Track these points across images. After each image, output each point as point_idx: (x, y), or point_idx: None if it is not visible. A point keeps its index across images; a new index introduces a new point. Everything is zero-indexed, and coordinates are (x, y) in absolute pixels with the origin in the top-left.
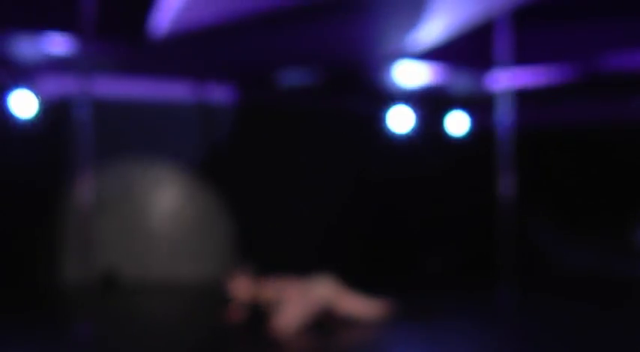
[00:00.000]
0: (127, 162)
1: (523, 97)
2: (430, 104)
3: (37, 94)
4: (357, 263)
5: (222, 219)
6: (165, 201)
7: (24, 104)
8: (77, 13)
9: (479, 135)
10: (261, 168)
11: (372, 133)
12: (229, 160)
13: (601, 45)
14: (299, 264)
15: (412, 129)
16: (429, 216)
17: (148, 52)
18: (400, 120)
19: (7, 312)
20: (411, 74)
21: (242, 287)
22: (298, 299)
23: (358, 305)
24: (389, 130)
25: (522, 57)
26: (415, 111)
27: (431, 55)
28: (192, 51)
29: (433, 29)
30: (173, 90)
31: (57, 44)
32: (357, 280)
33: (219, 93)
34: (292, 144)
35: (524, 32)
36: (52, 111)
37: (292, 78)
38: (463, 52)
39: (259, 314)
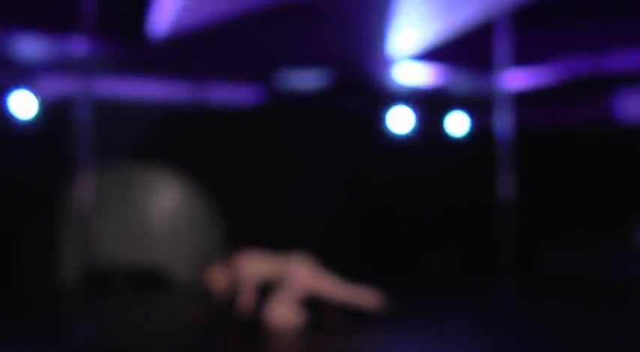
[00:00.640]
0: (127, 163)
1: (523, 98)
2: (430, 104)
3: (37, 94)
4: (358, 263)
5: (221, 219)
6: (164, 201)
7: (24, 104)
8: (77, 13)
9: (479, 135)
10: (261, 168)
11: (372, 134)
12: (229, 160)
13: (601, 45)
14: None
15: (412, 130)
16: (429, 216)
17: (148, 52)
18: (400, 120)
19: (7, 312)
20: (411, 75)
21: (217, 278)
22: (281, 291)
23: (344, 291)
24: (389, 131)
25: (522, 57)
26: (415, 111)
27: (431, 55)
28: (192, 51)
29: (434, 29)
30: (173, 91)
31: (57, 44)
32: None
33: (219, 94)
34: (292, 145)
35: (524, 32)
36: (52, 111)
37: (292, 79)
38: (463, 52)
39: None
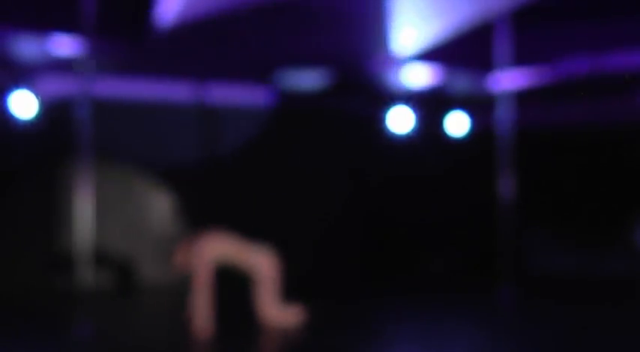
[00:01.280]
0: (126, 165)
1: (523, 98)
2: (430, 105)
3: (37, 94)
4: (358, 263)
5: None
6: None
7: (24, 104)
8: (77, 13)
9: (479, 135)
10: (261, 168)
11: (372, 134)
12: (228, 160)
13: (601, 45)
14: (298, 264)
15: (412, 130)
16: (429, 216)
17: (148, 52)
18: (400, 120)
19: (7, 312)
20: (411, 75)
21: (182, 260)
22: (264, 292)
23: (273, 309)
24: (389, 131)
25: (522, 57)
26: (415, 111)
27: (431, 55)
28: (192, 50)
29: (433, 29)
30: (173, 90)
31: (57, 44)
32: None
33: (219, 94)
34: (292, 145)
35: (524, 32)
36: (52, 111)
37: (292, 79)
38: (463, 52)
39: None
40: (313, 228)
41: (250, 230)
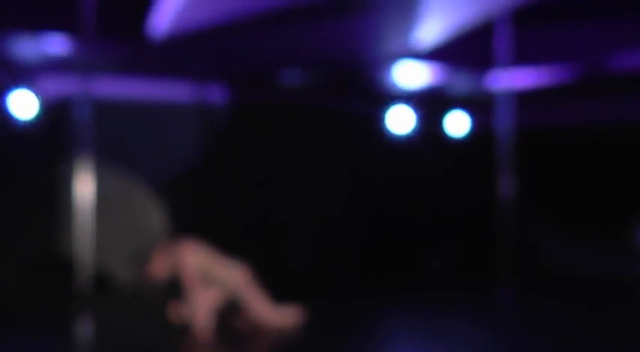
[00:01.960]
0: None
1: (523, 97)
2: (430, 104)
3: (37, 94)
4: (357, 262)
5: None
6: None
7: (24, 104)
8: (77, 13)
9: (479, 135)
10: (261, 168)
11: (372, 133)
12: (228, 160)
13: (601, 45)
14: (297, 263)
15: (412, 130)
16: (428, 216)
17: (148, 52)
18: (400, 120)
19: (8, 312)
20: (411, 74)
21: (159, 267)
22: (202, 292)
23: (267, 311)
24: (389, 130)
25: (522, 57)
26: (415, 111)
27: (431, 55)
28: (192, 51)
29: (433, 29)
30: (173, 90)
31: (57, 44)
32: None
33: (219, 94)
34: (292, 145)
35: (524, 32)
36: (52, 111)
37: (292, 78)
38: (463, 52)
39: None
40: (313, 227)
41: (250, 230)
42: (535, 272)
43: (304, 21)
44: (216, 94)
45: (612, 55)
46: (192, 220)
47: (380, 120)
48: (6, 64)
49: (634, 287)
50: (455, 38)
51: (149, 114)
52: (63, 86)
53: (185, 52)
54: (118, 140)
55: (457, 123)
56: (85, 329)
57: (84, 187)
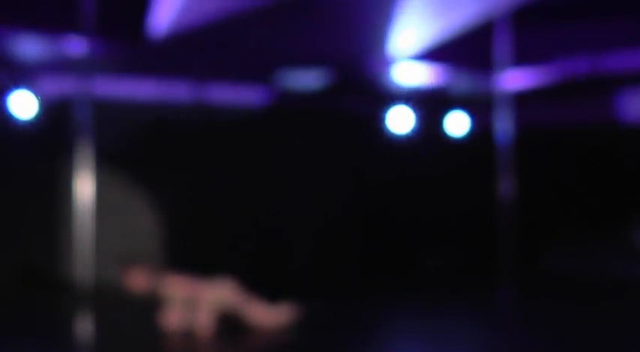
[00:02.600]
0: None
1: (523, 98)
2: (430, 105)
3: (37, 94)
4: (357, 262)
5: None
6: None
7: (24, 104)
8: (77, 13)
9: (479, 135)
10: (260, 168)
11: (371, 134)
12: (228, 160)
13: (601, 45)
14: (297, 263)
15: (412, 130)
16: (428, 216)
17: (148, 52)
18: (400, 120)
19: (7, 312)
20: (411, 74)
21: (138, 280)
22: (190, 302)
23: (263, 313)
24: (389, 131)
25: (522, 57)
26: (415, 111)
27: (431, 55)
28: (192, 51)
29: (433, 29)
30: (173, 91)
31: (57, 44)
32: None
33: (219, 94)
34: (292, 145)
35: (524, 32)
36: (52, 111)
37: (292, 79)
38: (463, 52)
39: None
40: (313, 227)
41: (249, 229)
42: (535, 272)
43: (304, 21)
44: (215, 94)
45: (612, 55)
46: (191, 221)
47: (380, 120)
48: (6, 64)
49: (634, 287)
50: (455, 38)
51: (149, 114)
52: (63, 86)
53: (185, 52)
54: (118, 140)
55: (457, 124)
56: (85, 329)
57: (84, 187)
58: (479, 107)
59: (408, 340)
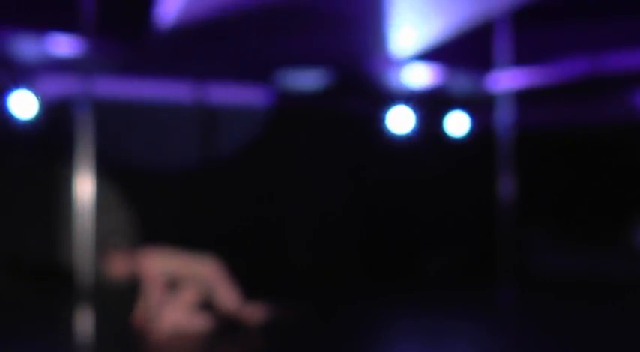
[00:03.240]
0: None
1: (523, 98)
2: (430, 105)
3: (37, 94)
4: (357, 262)
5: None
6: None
7: (24, 104)
8: (77, 13)
9: (479, 135)
10: (260, 168)
11: (372, 134)
12: (228, 161)
13: (601, 45)
14: (297, 263)
15: (412, 130)
16: (429, 216)
17: (148, 52)
18: (400, 120)
19: (7, 311)
20: (411, 74)
21: (118, 264)
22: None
23: (233, 300)
24: (389, 131)
25: (522, 57)
26: (415, 111)
27: (431, 55)
28: (192, 50)
29: (433, 29)
30: (173, 90)
31: (57, 44)
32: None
33: (219, 94)
34: (292, 145)
35: (524, 32)
36: (52, 111)
37: (292, 79)
38: (463, 52)
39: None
40: (313, 227)
41: (249, 229)
42: (535, 272)
43: (304, 21)
44: (216, 94)
45: (612, 55)
46: (190, 220)
47: (380, 120)
48: (6, 64)
49: (633, 287)
50: (455, 38)
51: (149, 114)
52: (63, 86)
53: (185, 52)
54: (117, 140)
55: (457, 124)
56: (85, 329)
57: (84, 187)
58: (479, 107)
59: (408, 340)
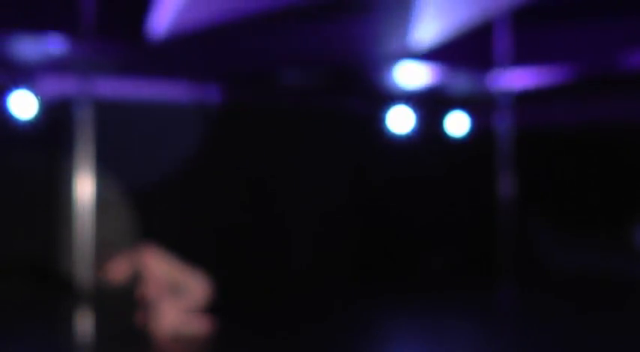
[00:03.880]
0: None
1: (523, 98)
2: (430, 104)
3: (37, 94)
4: (357, 262)
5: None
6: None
7: (24, 104)
8: (77, 13)
9: (479, 135)
10: (259, 167)
11: (372, 134)
12: (228, 160)
13: (601, 45)
14: (297, 262)
15: (412, 130)
16: (429, 216)
17: (147, 52)
18: (400, 120)
19: (7, 311)
20: (411, 74)
21: (119, 270)
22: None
23: (203, 325)
24: (389, 131)
25: (522, 57)
26: (415, 111)
27: (431, 55)
28: (191, 51)
29: (433, 29)
30: (173, 90)
31: (57, 44)
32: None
33: (218, 94)
34: (292, 144)
35: (524, 32)
36: (52, 111)
37: (292, 78)
38: (463, 52)
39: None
40: (313, 227)
41: (249, 229)
42: (535, 271)
43: (304, 21)
44: (215, 94)
45: (612, 54)
46: (190, 221)
47: (380, 120)
48: (6, 64)
49: (633, 287)
50: (455, 38)
51: (149, 114)
52: (63, 86)
53: (185, 52)
54: (118, 140)
55: (457, 124)
56: (84, 329)
57: (84, 187)
58: (479, 107)
59: (408, 339)
